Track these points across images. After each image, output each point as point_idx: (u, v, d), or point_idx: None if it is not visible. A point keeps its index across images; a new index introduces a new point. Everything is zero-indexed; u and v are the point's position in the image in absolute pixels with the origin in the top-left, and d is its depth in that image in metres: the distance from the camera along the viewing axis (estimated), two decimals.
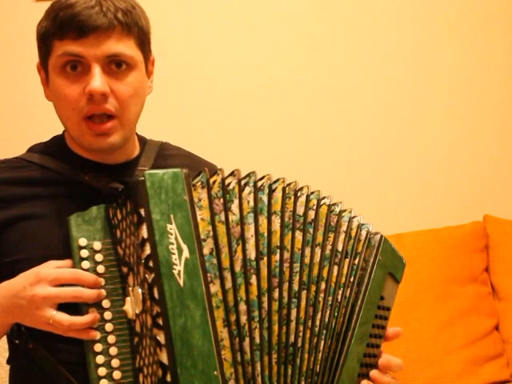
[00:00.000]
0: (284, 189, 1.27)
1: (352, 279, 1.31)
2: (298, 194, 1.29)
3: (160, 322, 1.11)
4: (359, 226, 1.36)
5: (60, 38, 1.27)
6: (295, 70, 2.55)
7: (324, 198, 1.33)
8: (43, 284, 1.17)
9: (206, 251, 1.18)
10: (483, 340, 2.28)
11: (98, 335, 1.18)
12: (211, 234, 1.19)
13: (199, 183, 1.20)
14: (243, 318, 1.19)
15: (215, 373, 1.13)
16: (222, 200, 1.21)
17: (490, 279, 2.38)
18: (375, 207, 2.53)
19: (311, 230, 1.29)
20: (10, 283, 1.21)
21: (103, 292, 1.19)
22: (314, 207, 1.30)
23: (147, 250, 1.13)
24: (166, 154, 1.45)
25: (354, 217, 1.36)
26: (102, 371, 1.17)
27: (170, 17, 2.44)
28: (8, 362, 1.37)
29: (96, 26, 1.25)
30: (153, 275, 1.12)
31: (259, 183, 1.26)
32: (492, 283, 2.37)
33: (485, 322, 2.31)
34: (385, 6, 2.57)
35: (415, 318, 2.26)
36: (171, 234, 1.15)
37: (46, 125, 2.43)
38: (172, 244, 1.14)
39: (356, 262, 1.33)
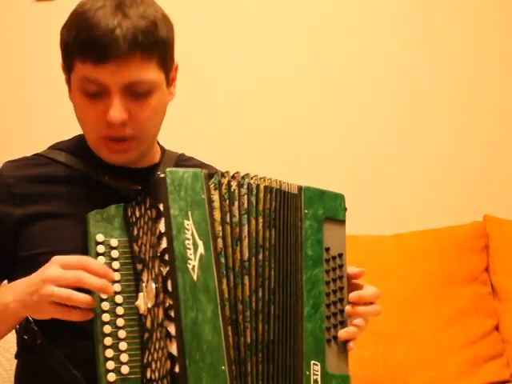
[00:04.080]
0: (265, 188, 1.29)
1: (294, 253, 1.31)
2: (271, 190, 1.30)
3: (172, 313, 1.14)
4: (292, 196, 1.32)
5: (81, 60, 1.27)
6: (296, 69, 2.55)
7: (283, 184, 1.32)
8: (53, 266, 1.19)
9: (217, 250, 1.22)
10: (483, 340, 2.28)
11: (107, 322, 1.20)
12: (221, 234, 1.23)
13: (212, 185, 1.24)
14: (240, 318, 1.22)
15: (223, 367, 1.16)
16: (227, 202, 1.25)
17: (490, 279, 2.37)
18: (375, 207, 2.53)
19: (278, 223, 1.29)
20: (28, 277, 1.24)
21: (111, 286, 1.19)
22: (279, 199, 1.30)
23: (163, 244, 1.17)
24: (182, 165, 1.48)
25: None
26: (110, 365, 1.19)
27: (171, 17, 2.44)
28: (16, 356, 1.39)
29: (116, 54, 1.25)
30: (168, 268, 1.16)
31: (251, 184, 1.28)
32: (492, 283, 2.37)
33: (485, 322, 2.30)
34: (384, 5, 2.57)
35: (415, 318, 2.26)
36: (188, 230, 1.18)
37: (46, 124, 2.43)
38: (188, 239, 1.18)
39: (293, 232, 1.31)
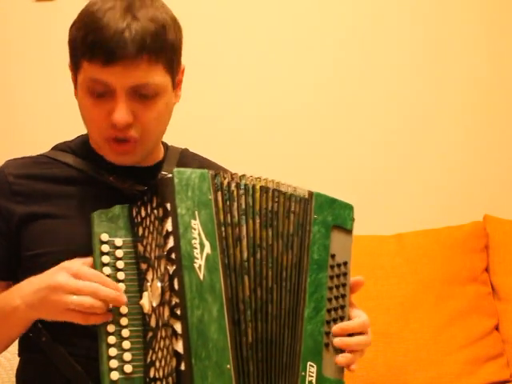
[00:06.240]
0: (261, 188, 1.30)
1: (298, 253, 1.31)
2: (267, 189, 1.31)
3: (178, 312, 1.15)
4: (300, 200, 1.33)
5: (88, 60, 1.28)
6: (300, 69, 2.55)
7: (282, 185, 1.33)
8: (64, 273, 1.20)
9: None
10: (483, 340, 2.28)
11: (111, 321, 1.21)
12: (224, 234, 1.24)
13: (215, 186, 1.25)
14: (241, 317, 1.23)
15: (228, 366, 1.17)
16: (228, 203, 1.26)
17: (490, 279, 2.38)
18: (375, 207, 2.53)
19: (275, 223, 1.30)
20: (35, 278, 1.24)
21: (123, 297, 1.21)
22: (277, 199, 1.31)
23: (170, 243, 1.18)
24: (185, 161, 1.48)
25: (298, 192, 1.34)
26: (113, 363, 1.20)
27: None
28: (19, 354, 1.40)
29: (124, 56, 1.25)
30: (174, 267, 1.17)
31: (247, 184, 1.29)
32: (492, 283, 2.37)
33: (485, 322, 2.30)
34: (389, 7, 2.57)
35: (415, 318, 2.26)
36: (195, 230, 1.20)
37: (46, 125, 2.43)
38: (195, 239, 1.19)
39: (300, 234, 1.32)
